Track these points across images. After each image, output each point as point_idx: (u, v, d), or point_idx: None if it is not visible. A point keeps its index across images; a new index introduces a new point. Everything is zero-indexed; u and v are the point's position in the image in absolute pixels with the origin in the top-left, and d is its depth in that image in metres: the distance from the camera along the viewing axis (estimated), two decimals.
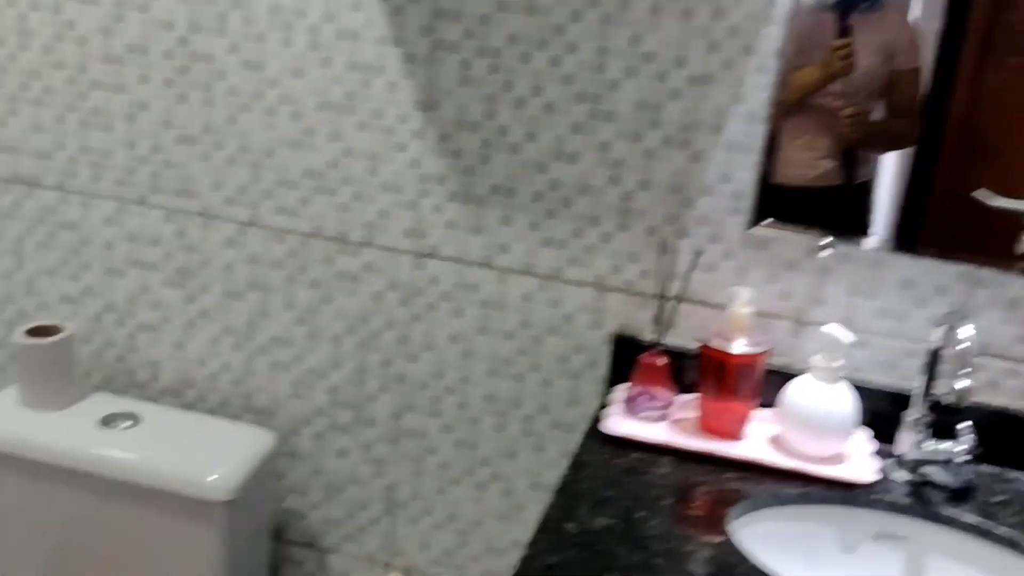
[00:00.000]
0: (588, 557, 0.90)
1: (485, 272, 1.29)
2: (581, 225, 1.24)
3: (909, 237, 1.16)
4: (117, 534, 1.28)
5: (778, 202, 1.18)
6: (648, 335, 1.24)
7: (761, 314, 1.19)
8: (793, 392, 1.13)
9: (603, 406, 1.21)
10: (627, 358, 1.23)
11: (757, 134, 1.16)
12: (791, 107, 1.16)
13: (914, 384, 1.11)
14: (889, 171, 1.17)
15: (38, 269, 1.45)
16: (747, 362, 1.13)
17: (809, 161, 1.18)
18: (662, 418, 1.18)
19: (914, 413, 1.11)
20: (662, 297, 1.21)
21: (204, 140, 1.33)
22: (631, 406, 1.18)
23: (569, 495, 1.01)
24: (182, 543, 1.26)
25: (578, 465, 1.07)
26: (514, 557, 1.37)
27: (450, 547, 1.39)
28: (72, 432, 1.30)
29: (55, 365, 1.33)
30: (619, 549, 0.92)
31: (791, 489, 1.07)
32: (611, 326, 1.27)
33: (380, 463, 1.39)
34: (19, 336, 1.32)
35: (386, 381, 1.36)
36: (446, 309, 1.32)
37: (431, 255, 1.31)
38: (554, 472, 1.32)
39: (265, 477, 1.33)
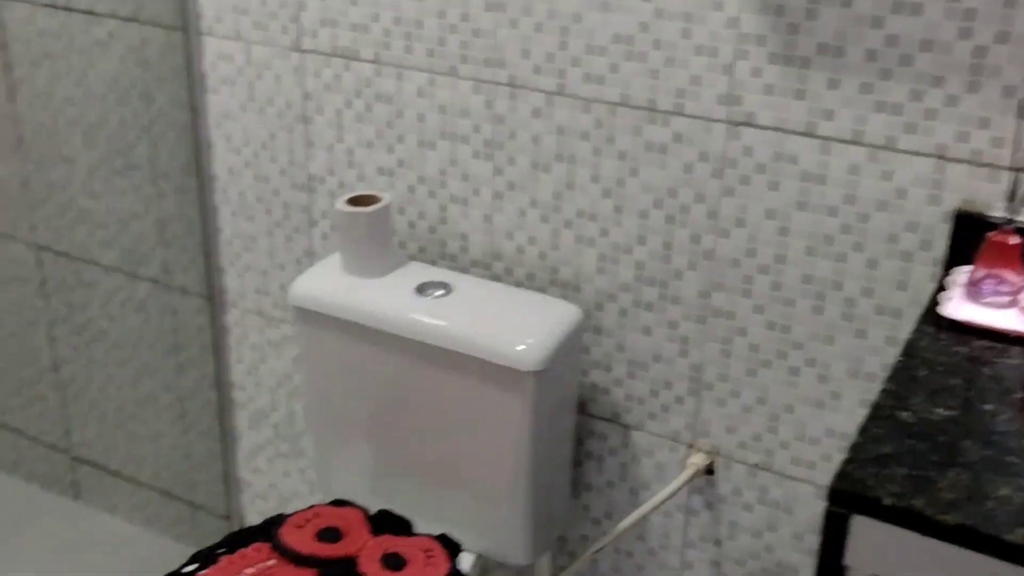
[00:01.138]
0: (927, 449, 0.84)
1: (807, 141, 1.21)
2: (922, 86, 1.13)
3: None
4: (431, 398, 1.36)
5: None
6: (998, 211, 1.11)
7: None
8: None
9: (939, 290, 1.11)
10: (970, 237, 1.12)
11: None
12: None
13: None
14: None
15: (356, 141, 1.53)
16: None
17: None
18: (1011, 304, 1.06)
19: None
20: (1018, 168, 1.08)
21: (512, 5, 1.33)
22: (974, 290, 1.08)
23: (902, 382, 0.94)
24: (492, 410, 1.32)
25: (911, 352, 1.00)
26: (828, 446, 1.31)
27: (758, 431, 1.36)
28: (389, 298, 1.38)
29: (373, 233, 1.41)
30: (963, 443, 0.85)
31: None
32: (952, 201, 1.15)
33: (686, 342, 1.37)
34: (341, 205, 1.41)
35: (694, 258, 1.33)
36: (761, 182, 1.25)
37: (746, 123, 1.24)
38: (876, 359, 1.25)
39: (571, 350, 1.36)
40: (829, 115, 1.19)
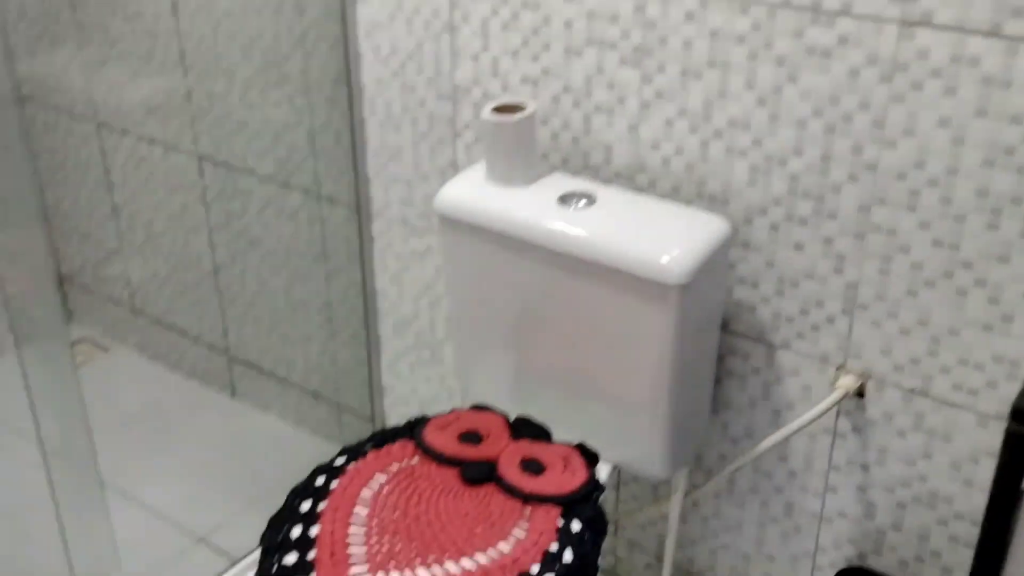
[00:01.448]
0: None
1: (991, 42, 1.03)
2: None
3: None
4: (573, 308, 1.26)
5: None
6: None
7: None
8: None
9: None
10: None
11: None
12: None
13: None
14: None
15: (502, 50, 1.41)
16: None
17: None
18: None
19: None
20: None
21: None
22: None
23: None
24: (634, 322, 1.21)
25: None
26: (995, 372, 1.15)
27: (917, 355, 1.20)
28: (532, 207, 1.27)
29: (518, 142, 1.30)
30: None
31: None
32: None
33: (841, 259, 1.22)
34: (486, 113, 1.30)
35: (855, 170, 1.17)
36: (936, 87, 1.08)
37: (922, 23, 1.07)
38: None
39: (717, 265, 1.23)
40: (1019, 13, 1.01)
